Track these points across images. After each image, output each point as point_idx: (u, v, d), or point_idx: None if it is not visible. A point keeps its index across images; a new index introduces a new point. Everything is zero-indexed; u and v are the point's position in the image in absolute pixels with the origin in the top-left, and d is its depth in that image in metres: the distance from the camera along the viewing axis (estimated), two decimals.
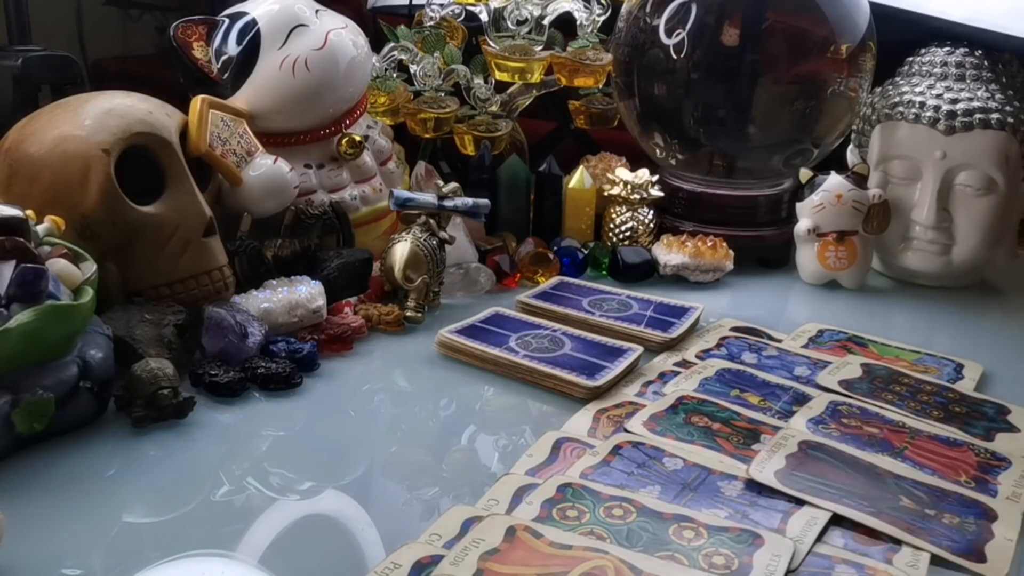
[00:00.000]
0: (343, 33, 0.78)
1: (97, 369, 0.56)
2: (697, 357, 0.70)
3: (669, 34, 0.89)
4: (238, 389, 0.62)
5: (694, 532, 0.47)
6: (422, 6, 0.95)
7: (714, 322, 0.77)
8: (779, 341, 0.74)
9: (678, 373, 0.67)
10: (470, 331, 0.70)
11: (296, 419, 0.60)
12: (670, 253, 0.87)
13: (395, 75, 0.91)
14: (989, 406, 0.64)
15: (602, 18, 0.94)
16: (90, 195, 0.62)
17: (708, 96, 0.91)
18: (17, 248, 0.53)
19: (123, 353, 0.59)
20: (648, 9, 0.92)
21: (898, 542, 0.48)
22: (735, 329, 0.76)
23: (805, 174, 0.89)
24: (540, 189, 0.92)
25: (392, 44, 0.90)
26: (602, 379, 0.63)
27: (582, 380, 0.63)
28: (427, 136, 0.92)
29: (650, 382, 0.65)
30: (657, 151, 0.97)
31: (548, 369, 0.65)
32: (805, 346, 0.73)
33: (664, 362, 0.69)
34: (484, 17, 0.90)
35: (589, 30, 0.93)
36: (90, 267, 0.58)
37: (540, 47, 0.92)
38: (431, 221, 0.76)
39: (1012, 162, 0.84)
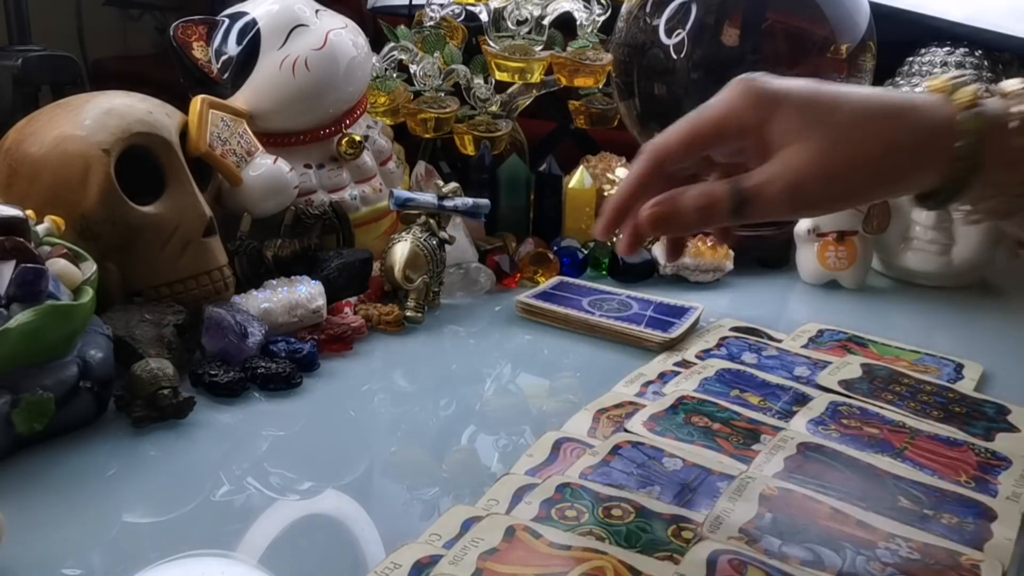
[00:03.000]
0: (343, 33, 0.78)
1: (97, 369, 0.56)
2: (697, 357, 0.70)
3: (669, 34, 0.89)
4: (238, 389, 0.62)
5: (693, 533, 0.47)
6: (422, 6, 0.95)
7: (714, 322, 0.77)
8: (779, 341, 0.74)
9: (678, 373, 0.67)
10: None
11: (296, 419, 0.60)
12: None
13: (395, 75, 0.91)
14: (989, 406, 0.64)
15: (602, 18, 0.94)
16: (90, 195, 0.62)
17: (708, 96, 0.91)
18: (17, 248, 0.53)
19: (123, 353, 0.60)
20: (648, 9, 0.92)
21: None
22: (735, 329, 0.76)
23: None
24: (540, 189, 0.92)
25: (392, 44, 0.90)
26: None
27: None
28: (427, 136, 0.92)
29: (650, 382, 0.65)
30: None
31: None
32: (805, 346, 0.73)
33: (664, 362, 0.69)
34: (484, 17, 0.90)
35: (589, 30, 0.93)
36: (90, 267, 0.58)
37: (540, 47, 0.92)
38: (431, 221, 0.76)
39: None
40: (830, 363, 0.69)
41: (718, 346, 0.72)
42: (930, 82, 0.49)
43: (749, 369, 0.68)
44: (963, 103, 0.46)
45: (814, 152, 0.46)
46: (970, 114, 0.45)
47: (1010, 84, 0.47)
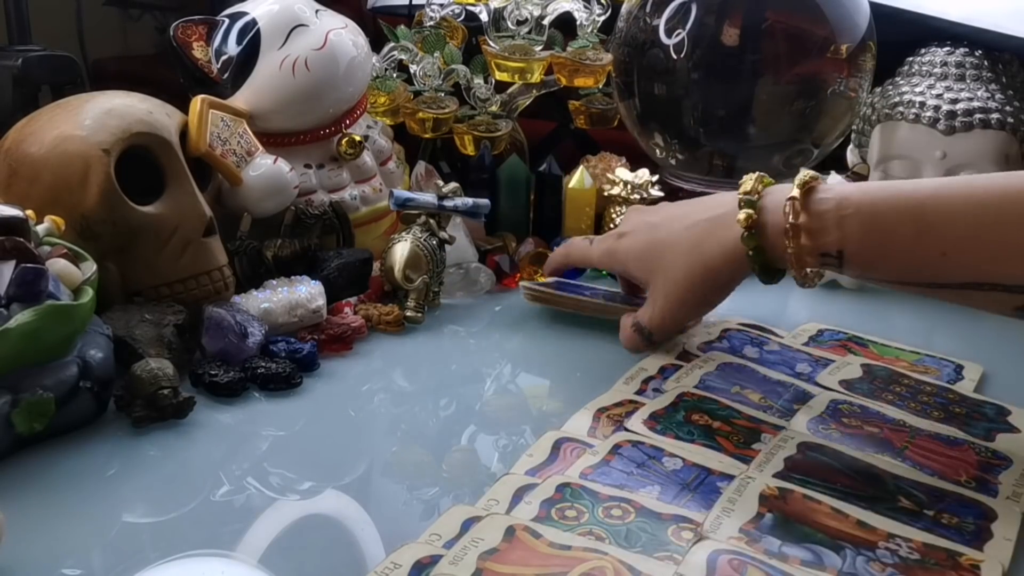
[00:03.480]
0: (343, 33, 0.78)
1: (97, 369, 0.56)
2: (699, 349, 0.70)
3: (669, 34, 0.89)
4: (238, 389, 0.62)
5: (693, 532, 0.47)
6: (422, 6, 0.95)
7: (714, 322, 0.77)
8: (780, 338, 0.74)
9: (679, 367, 0.67)
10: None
11: (296, 419, 0.60)
12: None
13: (395, 75, 0.91)
14: (989, 407, 0.64)
15: (602, 18, 0.94)
16: (90, 195, 0.62)
17: (708, 96, 0.91)
18: (17, 248, 0.53)
19: (123, 353, 0.60)
20: (648, 9, 0.92)
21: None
22: (740, 324, 0.76)
23: None
24: (540, 189, 0.92)
25: (392, 44, 0.90)
26: None
27: None
28: (427, 136, 0.92)
29: (651, 378, 0.65)
30: (657, 151, 0.97)
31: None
32: (805, 344, 0.73)
33: (665, 356, 0.69)
34: (484, 17, 0.90)
35: (589, 30, 0.93)
36: (90, 267, 0.58)
37: (540, 47, 0.92)
38: (431, 221, 0.76)
39: (1012, 162, 0.84)
40: (832, 361, 0.69)
41: (720, 338, 0.72)
42: (742, 182, 0.62)
43: (750, 364, 0.68)
44: (742, 222, 0.61)
45: (663, 291, 0.66)
46: (748, 234, 0.61)
47: (798, 177, 0.59)
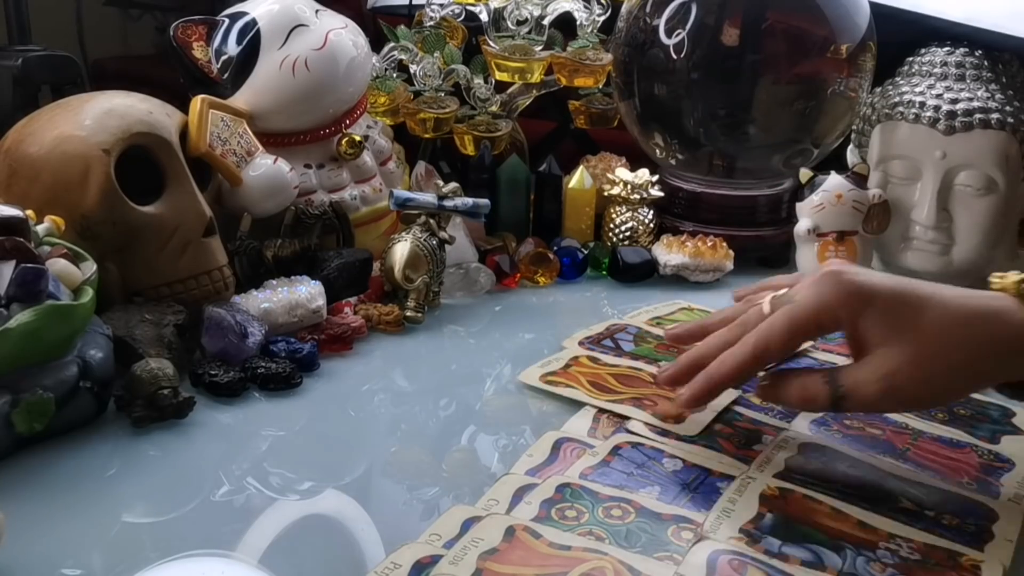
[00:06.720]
0: (343, 33, 0.78)
1: (97, 369, 0.56)
2: None
3: (669, 34, 0.89)
4: (238, 389, 0.62)
5: (693, 533, 0.47)
6: (422, 6, 0.95)
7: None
8: None
9: None
10: None
11: (296, 419, 0.60)
12: (670, 253, 0.87)
13: (395, 75, 0.91)
14: (994, 408, 0.64)
15: (602, 18, 0.94)
16: (90, 195, 0.62)
17: (708, 96, 0.91)
18: (17, 248, 0.53)
19: (123, 353, 0.59)
20: (648, 9, 0.92)
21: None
22: None
23: (805, 174, 0.88)
24: (540, 189, 0.92)
25: (392, 44, 0.90)
26: None
27: None
28: (427, 136, 0.92)
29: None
30: (657, 151, 0.97)
31: None
32: (815, 341, 0.73)
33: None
34: (484, 17, 0.90)
35: (589, 30, 0.93)
36: (90, 267, 0.58)
37: (540, 47, 0.92)
38: (431, 221, 0.76)
39: (1012, 162, 0.84)
40: (835, 364, 0.69)
41: None
42: (997, 281, 0.51)
43: None
44: None
45: (906, 357, 0.49)
46: None
47: None
